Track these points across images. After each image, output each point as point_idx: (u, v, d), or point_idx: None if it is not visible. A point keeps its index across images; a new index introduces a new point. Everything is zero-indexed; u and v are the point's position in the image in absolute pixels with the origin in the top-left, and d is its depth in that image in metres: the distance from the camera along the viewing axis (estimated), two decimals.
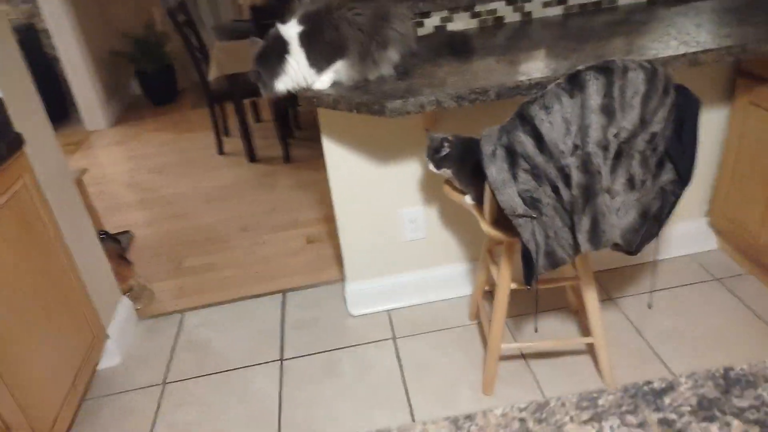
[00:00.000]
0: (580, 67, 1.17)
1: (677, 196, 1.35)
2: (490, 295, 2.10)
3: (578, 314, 1.96)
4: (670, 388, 0.57)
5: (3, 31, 1.69)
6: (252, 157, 3.55)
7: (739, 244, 2.04)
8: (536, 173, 1.23)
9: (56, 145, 1.88)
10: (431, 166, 1.50)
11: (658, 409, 0.55)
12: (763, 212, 1.82)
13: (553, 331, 1.90)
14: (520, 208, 1.24)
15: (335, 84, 1.52)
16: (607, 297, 2.01)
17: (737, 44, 1.43)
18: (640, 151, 1.27)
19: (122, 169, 3.77)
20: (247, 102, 3.95)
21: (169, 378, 1.90)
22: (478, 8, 1.92)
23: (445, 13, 1.91)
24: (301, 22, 1.47)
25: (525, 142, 1.20)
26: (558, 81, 1.17)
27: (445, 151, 1.47)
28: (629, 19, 1.79)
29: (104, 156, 4.04)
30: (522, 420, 0.56)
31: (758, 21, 1.59)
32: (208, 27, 5.19)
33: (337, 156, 1.85)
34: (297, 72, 1.43)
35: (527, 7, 1.95)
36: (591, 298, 1.58)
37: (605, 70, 1.15)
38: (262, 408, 1.74)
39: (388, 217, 1.96)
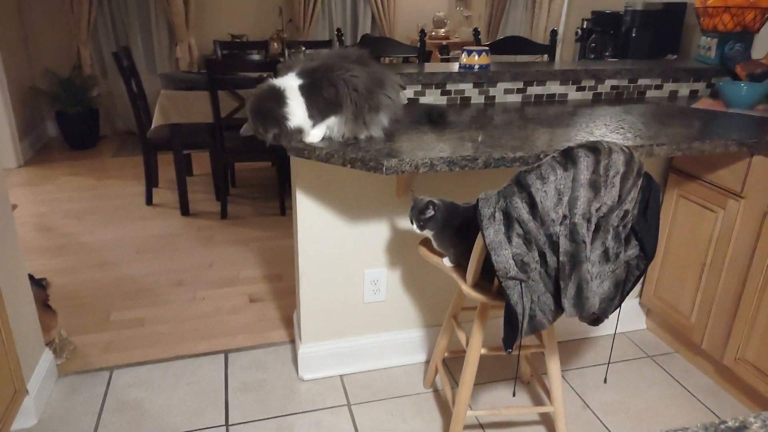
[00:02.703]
0: (572, 145, 1.28)
1: (641, 270, 1.48)
2: (446, 362, 2.11)
3: (529, 384, 2.02)
4: (744, 427, 0.62)
5: None
6: (185, 210, 3.43)
7: (668, 324, 2.23)
8: (528, 238, 1.31)
9: None
10: (415, 227, 1.54)
11: None
12: (693, 294, 2.02)
13: (505, 401, 1.93)
14: (513, 270, 1.30)
15: (325, 139, 1.55)
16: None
17: (684, 141, 1.65)
18: (614, 226, 1.39)
19: (33, 211, 3.48)
20: None
21: None
22: (448, 87, 2.07)
23: (419, 87, 2.03)
24: (301, 76, 1.51)
25: (521, 208, 1.28)
26: (553, 155, 1.28)
27: (431, 213, 1.52)
28: (579, 112, 2.00)
29: (12, 197, 3.71)
30: None
31: (691, 125, 1.84)
32: (149, 74, 5.09)
33: (307, 211, 1.84)
34: (297, 118, 1.45)
35: (491, 91, 2.12)
36: (554, 366, 1.64)
37: (594, 149, 1.28)
38: None
39: (351, 277, 1.95)
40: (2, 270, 1.66)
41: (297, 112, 1.45)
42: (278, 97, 1.46)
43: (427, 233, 1.55)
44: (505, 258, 1.29)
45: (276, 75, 1.55)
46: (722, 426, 0.63)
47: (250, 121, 1.49)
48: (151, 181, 3.60)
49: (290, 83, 1.48)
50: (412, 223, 1.55)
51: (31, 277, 2.06)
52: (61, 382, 1.96)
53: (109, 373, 2.01)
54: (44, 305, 2.08)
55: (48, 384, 1.89)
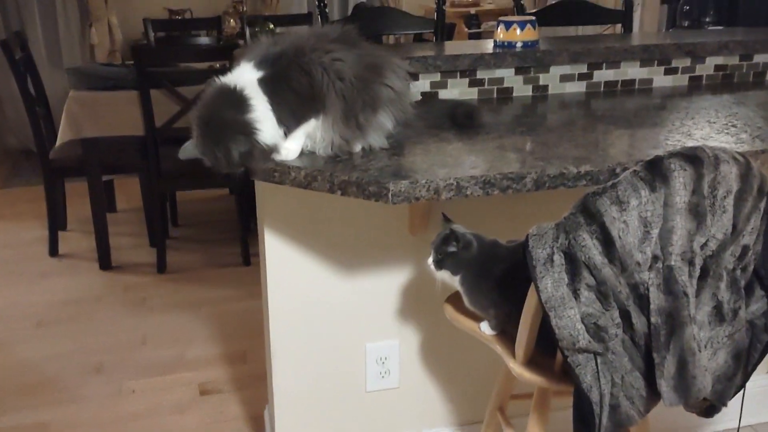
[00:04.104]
0: (661, 153, 1.29)
1: None
2: None
3: None
4: None
5: None
6: (106, 262, 3.47)
7: None
8: (603, 291, 1.30)
9: None
10: (430, 261, 1.53)
11: None
12: None
13: None
14: (583, 338, 1.29)
15: (305, 154, 1.56)
16: None
17: None
18: (729, 270, 1.39)
19: None
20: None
21: None
22: (480, 75, 2.09)
23: (437, 77, 2.06)
24: (260, 66, 1.53)
25: (590, 247, 1.28)
26: (635, 168, 1.28)
27: (452, 248, 1.51)
28: (670, 105, 2.02)
29: None
30: None
31: None
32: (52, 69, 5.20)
33: (281, 260, 1.86)
34: (269, 127, 1.46)
35: (542, 79, 2.15)
36: None
37: (693, 158, 1.28)
38: None
39: (347, 354, 1.96)
40: None
41: (267, 116, 1.46)
42: (237, 99, 1.47)
43: (445, 277, 1.54)
44: (570, 321, 1.28)
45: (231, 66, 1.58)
46: None
47: (196, 140, 1.49)
48: (57, 222, 3.64)
49: (247, 77, 1.50)
50: (430, 256, 1.54)
51: None
52: None
53: None
54: None
55: None
